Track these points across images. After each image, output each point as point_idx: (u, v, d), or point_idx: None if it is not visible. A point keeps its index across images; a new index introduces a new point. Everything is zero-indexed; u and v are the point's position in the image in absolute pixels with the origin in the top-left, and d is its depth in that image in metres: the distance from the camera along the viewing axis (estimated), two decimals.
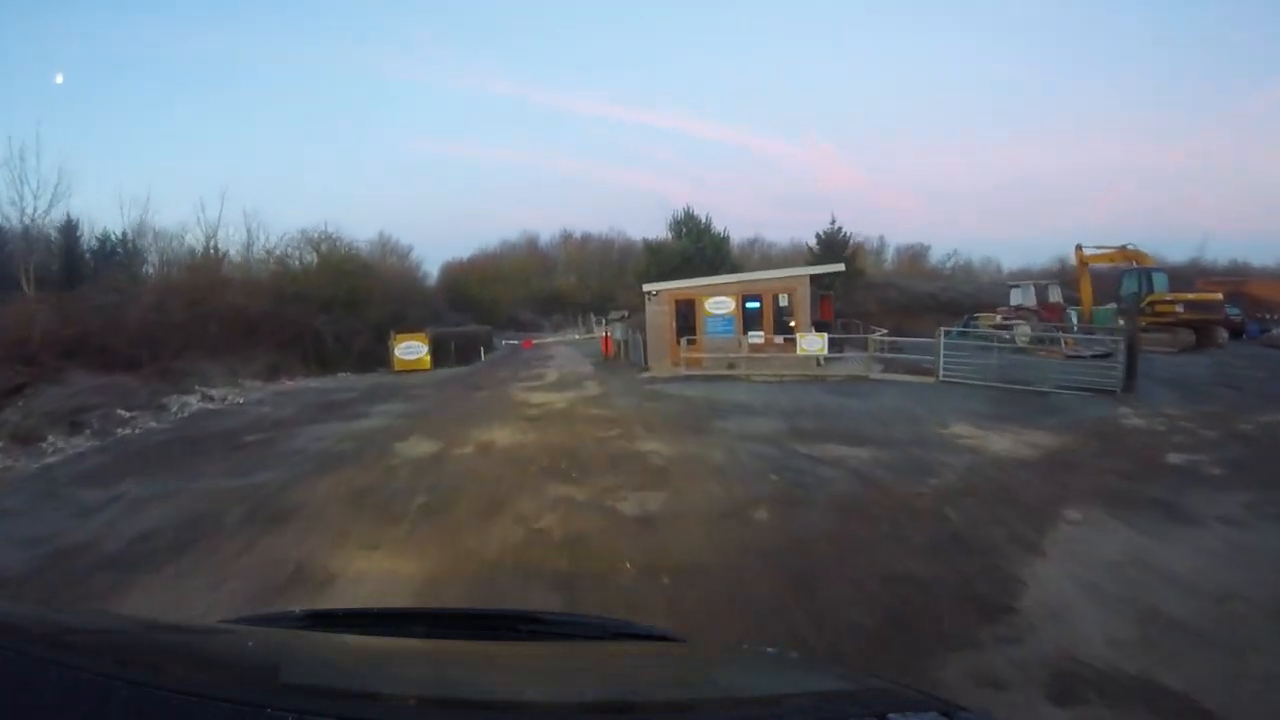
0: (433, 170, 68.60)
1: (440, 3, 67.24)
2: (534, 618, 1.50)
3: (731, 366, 15.67)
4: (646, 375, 15.79)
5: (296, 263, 27.03)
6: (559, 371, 17.80)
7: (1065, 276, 24.56)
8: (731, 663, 1.36)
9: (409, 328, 22.88)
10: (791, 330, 16.38)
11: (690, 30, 69.40)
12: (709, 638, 3.30)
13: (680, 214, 24.89)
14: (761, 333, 16.49)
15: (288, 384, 17.68)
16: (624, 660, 1.24)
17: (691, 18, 68.19)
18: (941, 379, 13.15)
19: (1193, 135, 55.27)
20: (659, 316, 16.79)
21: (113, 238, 27.32)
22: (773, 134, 72.98)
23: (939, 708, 0.81)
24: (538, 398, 12.93)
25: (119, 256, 26.74)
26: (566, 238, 66.92)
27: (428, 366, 20.37)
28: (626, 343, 19.32)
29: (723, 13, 67.29)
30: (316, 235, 25.52)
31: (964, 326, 22.52)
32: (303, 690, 0.85)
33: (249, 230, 27.27)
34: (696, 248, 24.03)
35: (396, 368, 20.38)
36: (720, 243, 24.84)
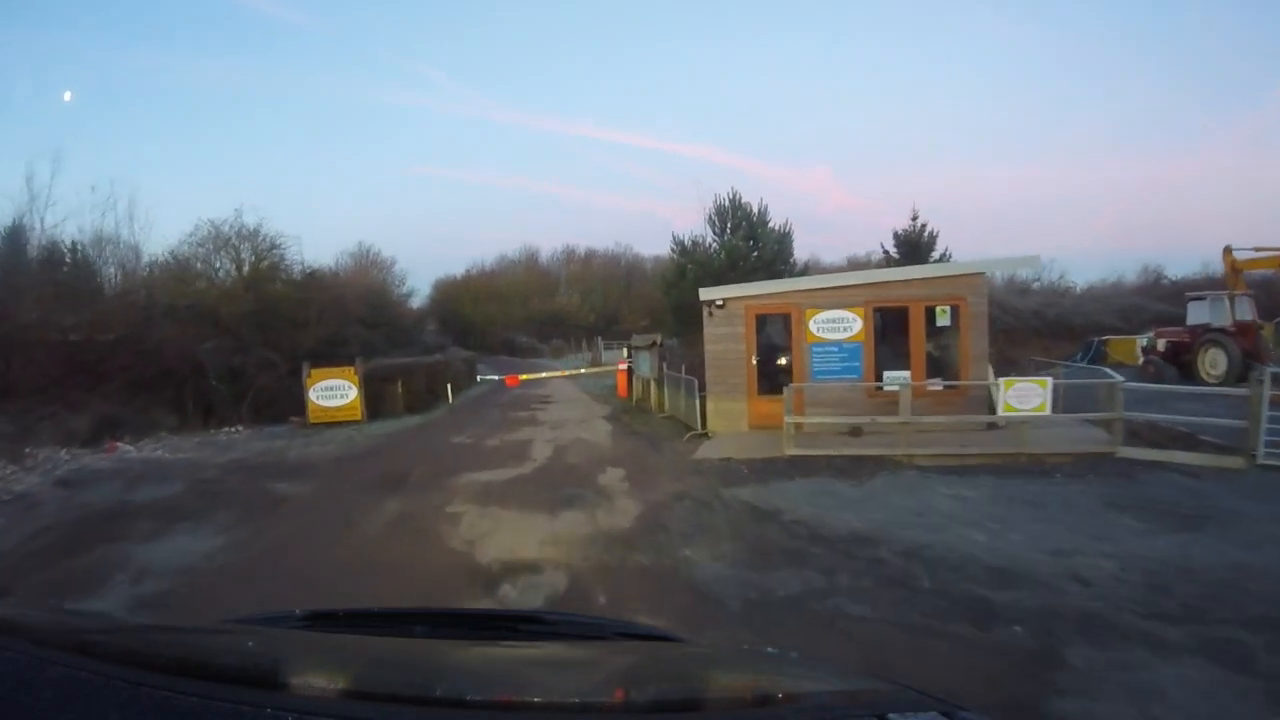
0: (433, 193, 68.92)
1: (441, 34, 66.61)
2: (534, 618, 1.52)
3: (857, 433, 8.72)
4: (707, 451, 8.77)
5: (222, 268, 20.21)
6: (554, 435, 10.75)
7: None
8: (731, 663, 1.37)
9: (342, 359, 16.05)
10: (946, 367, 9.54)
11: (688, 58, 68.87)
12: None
13: (724, 201, 18.25)
14: (907, 374, 9.56)
15: (101, 459, 10.69)
16: (624, 660, 1.22)
17: (687, 46, 67.91)
18: (1264, 461, 6.61)
19: (1201, 148, 52.32)
20: (726, 342, 9.84)
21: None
22: (767, 158, 70.75)
23: (939, 708, 0.81)
24: (505, 530, 5.87)
25: None
26: (569, 254, 60.53)
27: (357, 416, 13.43)
28: (661, 384, 12.38)
29: (719, 41, 66.57)
30: (232, 231, 18.77)
31: (1088, 353, 18.26)
32: (303, 690, 0.84)
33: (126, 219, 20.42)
34: (749, 245, 17.30)
35: (312, 419, 13.44)
36: (782, 240, 18.17)
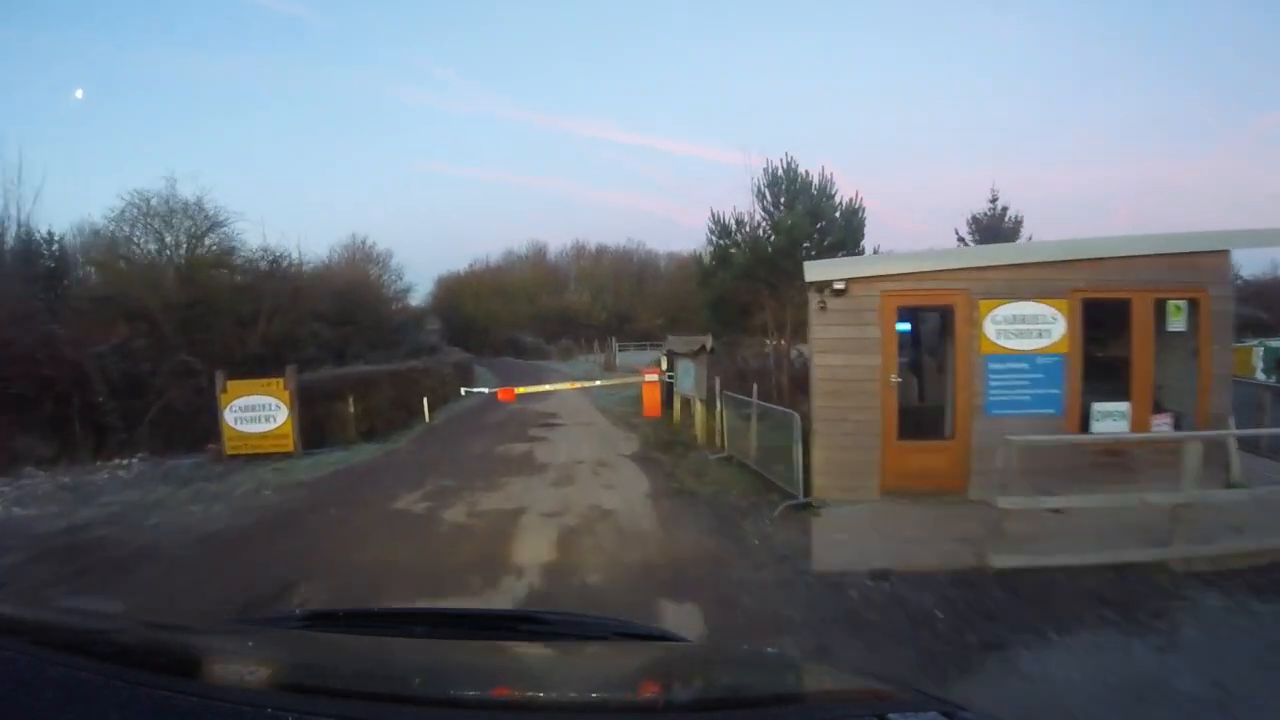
0: (440, 191, 68.54)
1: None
2: (534, 618, 1.53)
3: (1057, 509, 4.90)
4: (829, 549, 4.91)
5: (151, 249, 16.55)
6: (558, 501, 6.77)
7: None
8: (731, 663, 1.38)
9: (300, 365, 12.42)
10: (1172, 395, 5.79)
11: (700, 59, 69.60)
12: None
13: (777, 170, 14.41)
14: (1126, 406, 5.77)
15: None
16: (624, 660, 1.22)
17: (691, 46, 68.01)
18: None
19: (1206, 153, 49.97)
20: (846, 352, 5.94)
21: None
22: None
23: (939, 708, 0.81)
24: None
25: None
26: (579, 249, 56.78)
27: (288, 446, 9.73)
28: (712, 407, 8.53)
29: (722, 41, 66.89)
30: (163, 205, 15.13)
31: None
32: (303, 690, 0.82)
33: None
34: (814, 223, 13.47)
35: (230, 449, 9.76)
36: (850, 218, 14.36)
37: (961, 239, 19.56)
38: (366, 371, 11.16)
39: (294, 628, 1.28)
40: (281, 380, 9.87)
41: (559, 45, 69.27)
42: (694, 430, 9.23)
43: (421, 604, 4.02)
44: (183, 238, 15.93)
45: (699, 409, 8.94)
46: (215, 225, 15.72)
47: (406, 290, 40.49)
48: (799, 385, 9.39)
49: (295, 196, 60.89)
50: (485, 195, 72.95)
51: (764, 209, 14.62)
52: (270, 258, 18.55)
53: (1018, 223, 19.26)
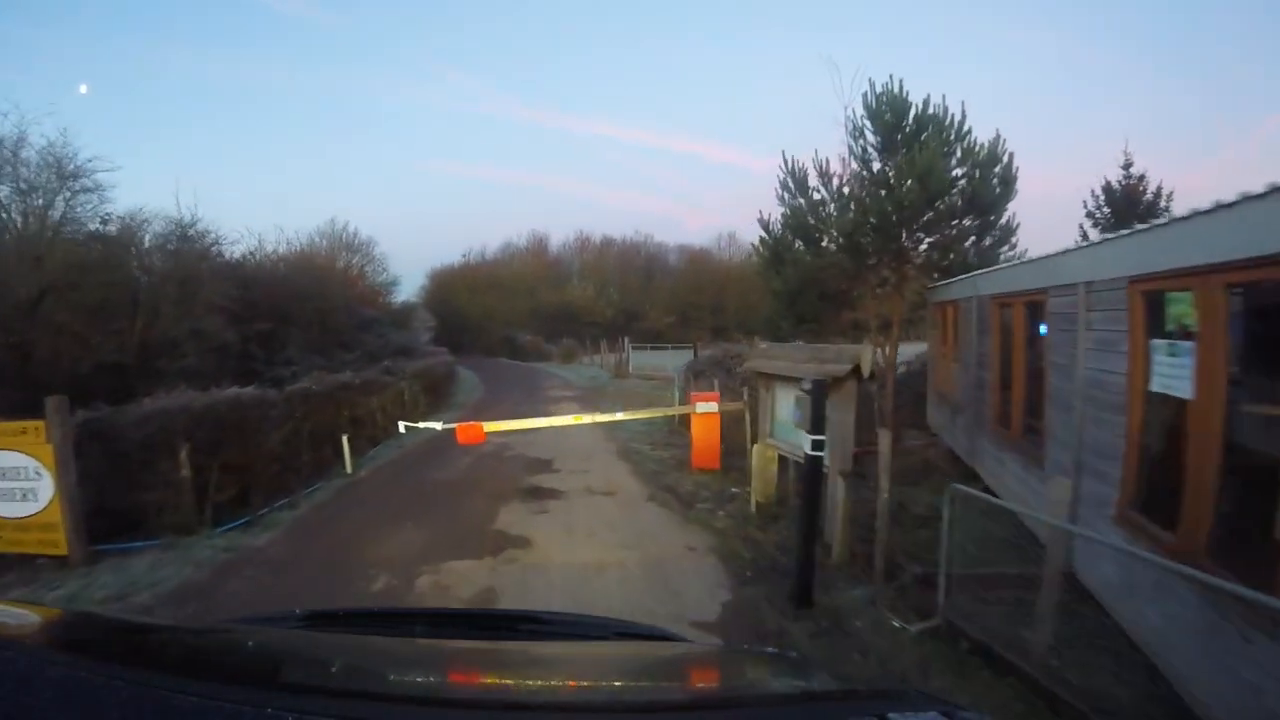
0: (441, 188, 67.26)
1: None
2: (534, 618, 1.47)
3: None
4: None
5: None
6: None
7: None
8: (731, 663, 1.36)
9: (190, 379, 7.98)
10: None
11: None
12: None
13: (879, 100, 9.75)
14: None
15: None
16: (624, 660, 1.19)
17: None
18: None
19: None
20: None
21: None
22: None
23: (939, 708, 0.79)
24: None
25: None
26: (583, 241, 52.04)
27: (58, 547, 5.23)
28: (885, 504, 4.03)
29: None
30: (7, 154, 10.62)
31: None
32: (303, 690, 0.82)
33: None
34: (951, 172, 8.83)
35: None
36: (990, 166, 9.73)
37: (1091, 212, 14.96)
38: (218, 402, 6.53)
39: (294, 628, 1.25)
40: (40, 424, 5.33)
41: (559, 43, 67.32)
42: (826, 534, 4.63)
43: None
44: (38, 202, 11.40)
45: (841, 494, 4.38)
46: (77, 182, 11.17)
47: (391, 283, 36.03)
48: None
49: (295, 195, 60.94)
50: (489, 194, 70.67)
51: (863, 154, 9.96)
52: (180, 233, 14.08)
53: (1162, 196, 14.61)
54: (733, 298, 46.37)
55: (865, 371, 4.32)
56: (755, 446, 5.53)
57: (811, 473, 3.67)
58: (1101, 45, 59.45)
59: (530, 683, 0.99)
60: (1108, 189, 14.90)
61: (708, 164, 70.88)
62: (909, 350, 12.17)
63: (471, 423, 7.33)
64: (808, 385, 3.67)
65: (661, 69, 70.52)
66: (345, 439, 8.04)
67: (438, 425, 7.30)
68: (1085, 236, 15.26)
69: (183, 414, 6.32)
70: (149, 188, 37.67)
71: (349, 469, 8.03)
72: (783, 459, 5.56)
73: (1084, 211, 14.98)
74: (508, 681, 0.99)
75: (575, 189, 68.93)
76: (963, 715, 0.78)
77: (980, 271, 7.21)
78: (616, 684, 1.03)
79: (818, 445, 3.57)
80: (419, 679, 0.96)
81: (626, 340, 24.59)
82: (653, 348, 27.63)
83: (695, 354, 15.79)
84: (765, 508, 5.53)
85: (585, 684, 1.00)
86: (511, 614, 1.75)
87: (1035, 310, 6.05)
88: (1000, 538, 3.99)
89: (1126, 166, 14.94)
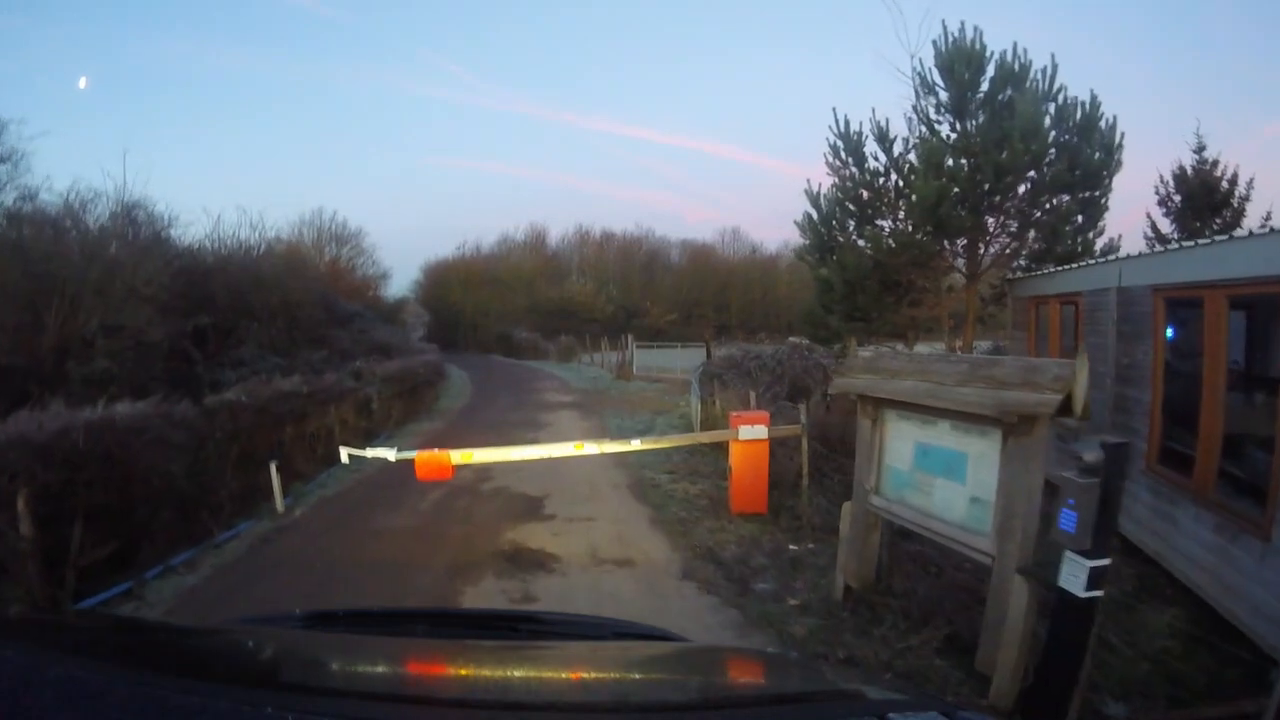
0: (441, 184, 65.24)
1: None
2: (534, 618, 1.47)
3: None
4: None
5: None
6: None
7: None
8: (731, 663, 1.34)
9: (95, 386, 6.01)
10: None
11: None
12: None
13: (950, 49, 7.95)
14: None
15: None
16: (625, 660, 1.17)
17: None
18: None
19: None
20: None
21: None
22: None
23: (939, 708, 0.78)
24: None
25: None
26: (583, 235, 49.93)
27: None
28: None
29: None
30: None
31: None
32: (303, 690, 0.81)
33: None
34: (1046, 125, 7.02)
35: None
36: (1089, 131, 7.95)
37: (1163, 199, 13.09)
38: (89, 425, 4.58)
39: (294, 628, 1.23)
40: None
41: (561, 41, 65.75)
42: (980, 653, 2.78)
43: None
44: None
45: (1023, 603, 2.51)
46: None
47: (382, 275, 34.09)
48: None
49: (295, 196, 60.34)
50: (486, 187, 69.34)
51: (930, 114, 8.04)
52: (125, 213, 12.17)
53: (1240, 186, 12.72)
54: (737, 295, 44.53)
55: (1079, 406, 2.46)
56: (848, 506, 3.66)
57: (1074, 625, 1.80)
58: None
59: (530, 683, 0.98)
60: (1180, 174, 13.06)
61: (710, 158, 69.43)
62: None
63: (436, 452, 5.44)
64: (1090, 456, 1.83)
65: (664, 62, 69.26)
66: (274, 467, 6.15)
67: (390, 454, 5.40)
68: (1154, 226, 13.47)
69: (20, 447, 4.43)
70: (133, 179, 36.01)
71: (279, 507, 6.15)
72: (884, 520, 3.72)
73: (1155, 199, 13.12)
74: (508, 682, 0.97)
75: (575, 183, 67.53)
76: (963, 715, 0.76)
77: (1126, 255, 5.34)
78: (616, 684, 1.01)
79: (1094, 577, 1.70)
80: (419, 679, 0.94)
81: (630, 338, 22.65)
82: (658, 346, 25.66)
83: (709, 354, 13.87)
84: (860, 595, 3.68)
85: (585, 684, 0.99)
86: (511, 614, 1.79)
87: (1258, 309, 4.23)
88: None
89: (1199, 150, 13.12)
